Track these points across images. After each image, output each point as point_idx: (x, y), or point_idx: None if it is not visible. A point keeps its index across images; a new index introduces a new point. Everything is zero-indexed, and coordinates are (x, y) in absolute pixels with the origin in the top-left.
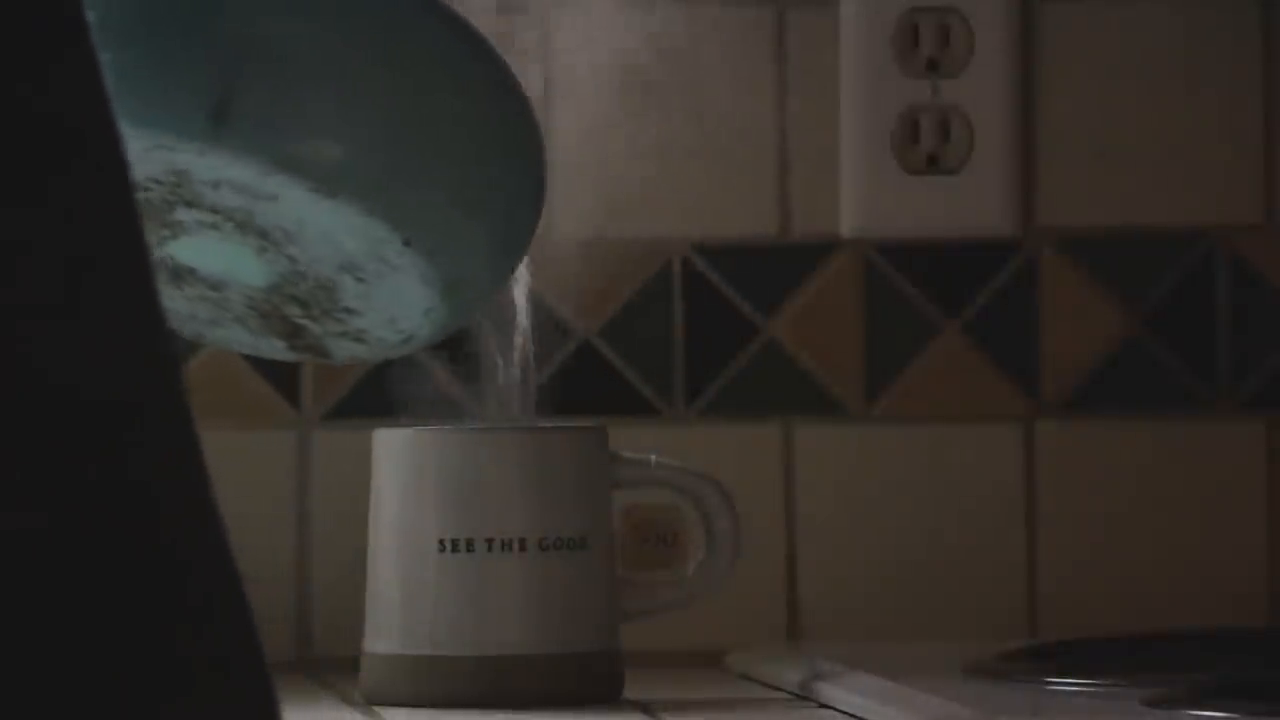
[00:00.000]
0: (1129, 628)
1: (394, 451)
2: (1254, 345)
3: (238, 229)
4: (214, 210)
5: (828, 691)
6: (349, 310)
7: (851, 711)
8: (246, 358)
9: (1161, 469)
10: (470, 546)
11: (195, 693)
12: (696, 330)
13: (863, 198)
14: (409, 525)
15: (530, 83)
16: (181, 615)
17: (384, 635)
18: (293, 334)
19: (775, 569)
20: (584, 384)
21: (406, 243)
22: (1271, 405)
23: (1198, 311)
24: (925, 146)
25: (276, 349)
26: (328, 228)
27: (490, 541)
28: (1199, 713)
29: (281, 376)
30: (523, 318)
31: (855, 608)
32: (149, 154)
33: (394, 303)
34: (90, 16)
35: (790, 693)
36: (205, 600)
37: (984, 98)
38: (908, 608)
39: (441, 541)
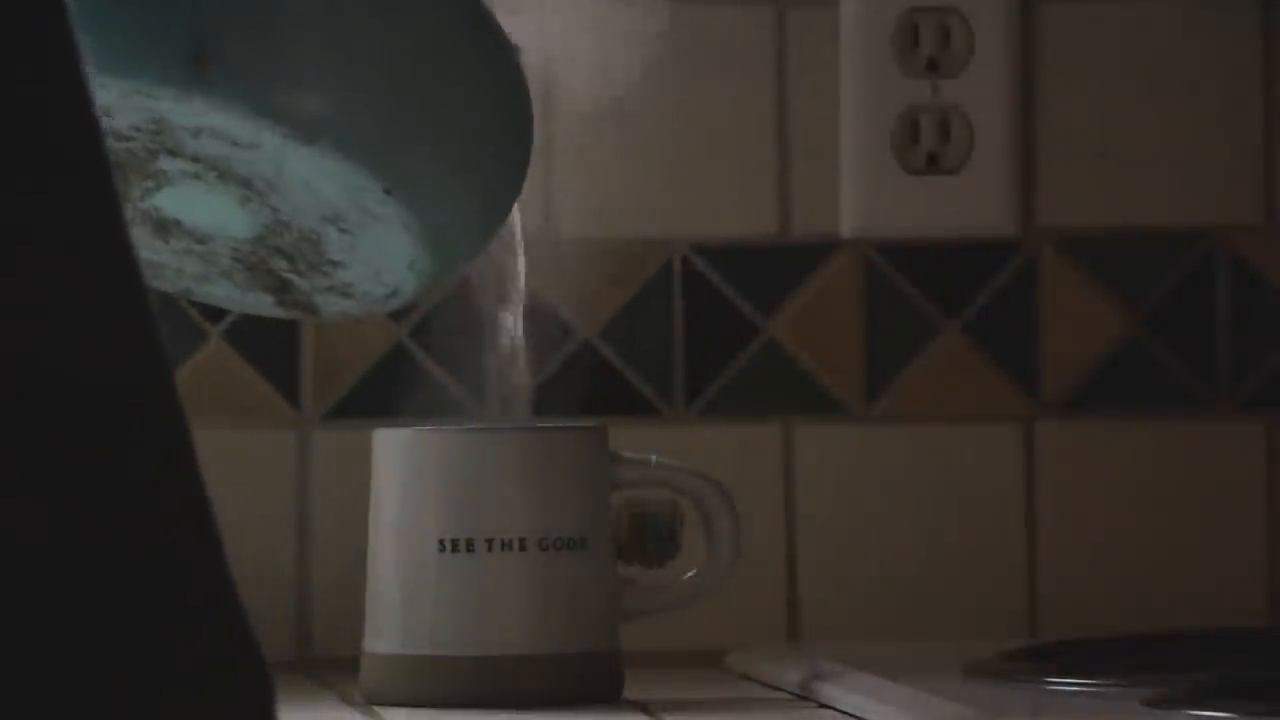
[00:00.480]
0: (1129, 628)
1: (394, 451)
2: (1254, 345)
3: (220, 178)
4: (196, 159)
5: (828, 691)
6: (334, 263)
7: (851, 711)
8: (246, 358)
9: (1161, 469)
10: (470, 546)
11: (196, 690)
12: (696, 330)
13: (863, 198)
14: (409, 525)
15: (530, 82)
16: (181, 614)
17: (384, 635)
18: (280, 289)
19: (775, 569)
20: (584, 384)
21: (387, 191)
22: (1271, 405)
23: (1198, 311)
24: (925, 146)
25: (265, 304)
26: (308, 176)
27: (490, 541)
28: (1199, 713)
29: (281, 376)
30: (515, 316)
31: (855, 608)
32: (129, 101)
33: (378, 255)
34: None
35: (790, 693)
36: (204, 599)
37: (984, 98)
38: (908, 608)
39: (441, 541)
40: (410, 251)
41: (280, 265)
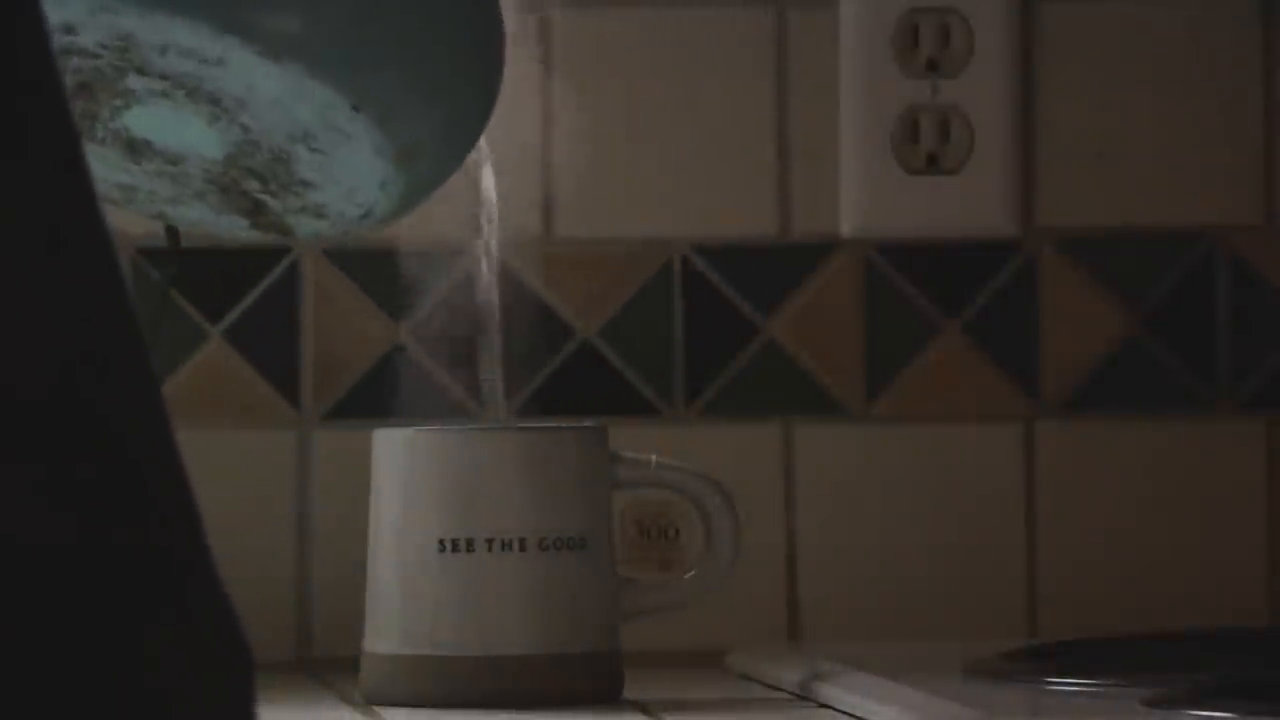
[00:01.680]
0: (1129, 628)
1: (394, 451)
2: (1254, 345)
3: (189, 97)
4: (163, 77)
5: (828, 691)
6: (305, 183)
7: (851, 711)
8: (246, 358)
9: (1161, 469)
10: (470, 546)
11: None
12: (696, 330)
13: (863, 198)
14: (409, 525)
15: (530, 82)
16: (164, 594)
17: (384, 635)
18: (253, 210)
19: (775, 569)
20: (584, 384)
21: (355, 109)
22: (1271, 405)
23: (1198, 311)
24: (925, 146)
25: (239, 226)
26: (277, 94)
27: (490, 541)
28: (1199, 713)
29: (281, 376)
30: (515, 316)
31: (855, 608)
32: (96, 18)
33: (350, 174)
34: None
35: (790, 693)
36: (184, 576)
37: (984, 98)
38: (908, 608)
39: (441, 541)
40: (381, 171)
41: (253, 186)
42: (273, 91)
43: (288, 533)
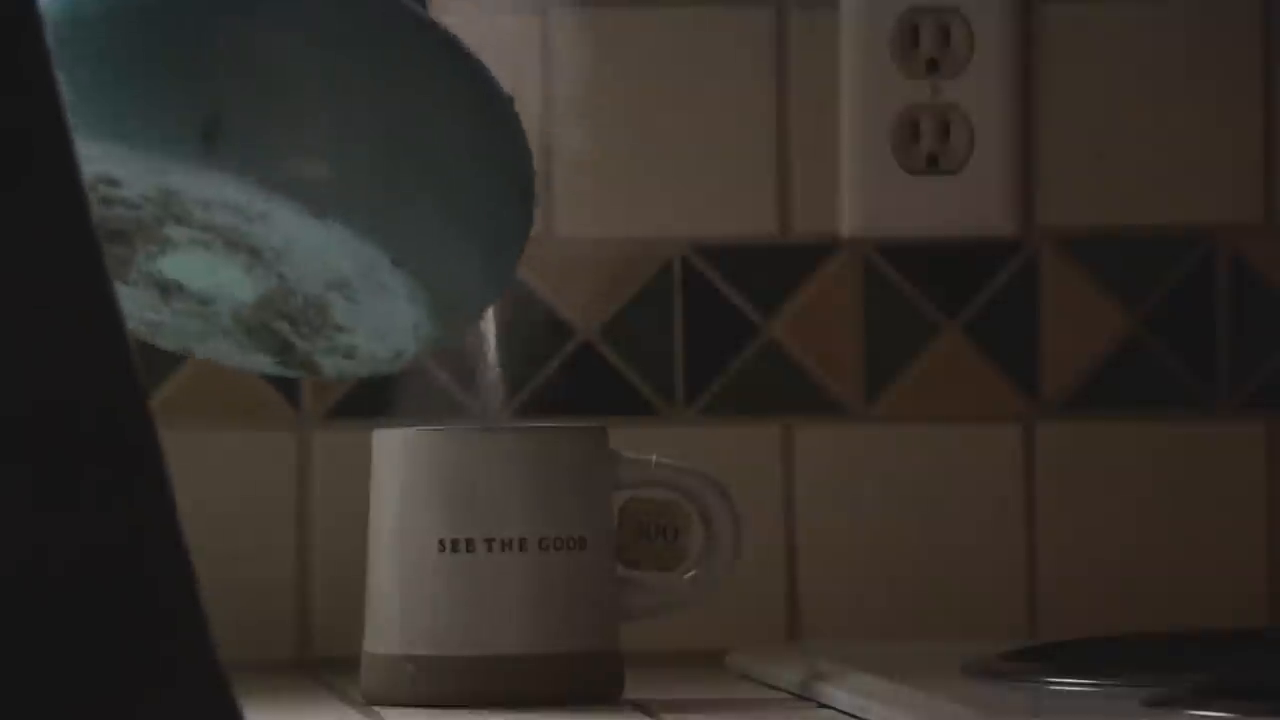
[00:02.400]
0: (1129, 628)
1: (394, 451)
2: (1254, 345)
3: (227, 246)
4: (204, 228)
5: (828, 691)
6: (339, 328)
7: (851, 711)
8: None
9: (1161, 469)
10: (470, 546)
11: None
12: (696, 330)
13: (863, 198)
14: (409, 525)
15: (531, 82)
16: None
17: (384, 635)
18: (282, 350)
19: (775, 569)
20: (584, 384)
21: (396, 262)
22: (1271, 405)
23: (1198, 311)
24: (925, 146)
25: (265, 364)
26: (317, 246)
27: (490, 541)
28: (1199, 713)
29: (281, 377)
30: (515, 316)
31: (855, 608)
32: (140, 172)
33: (384, 320)
34: (80, 38)
35: (790, 693)
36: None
37: (984, 98)
38: (908, 608)
39: (441, 541)
40: (415, 317)
41: (283, 328)
42: (313, 244)
43: (288, 533)
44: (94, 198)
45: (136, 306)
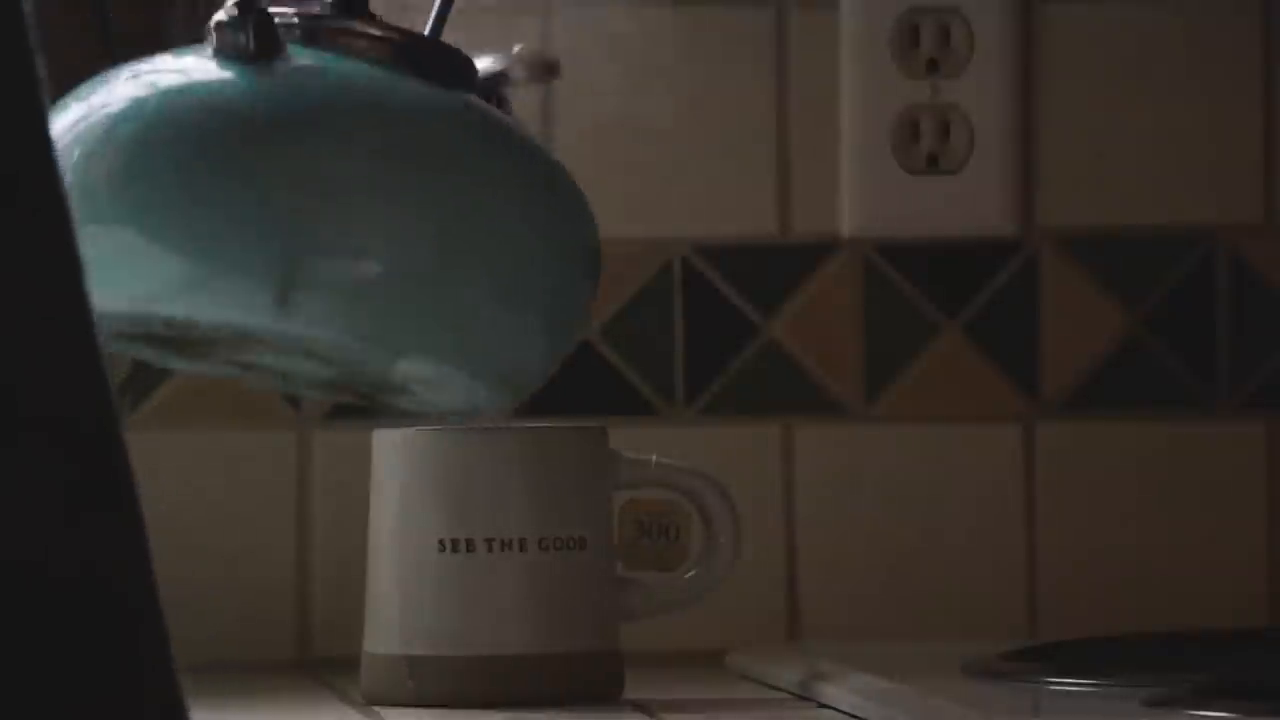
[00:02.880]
0: (1129, 628)
1: (394, 451)
2: (1254, 345)
3: (306, 358)
4: (284, 351)
5: (828, 691)
6: (409, 392)
7: (851, 711)
8: None
9: (1161, 469)
10: (470, 546)
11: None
12: (696, 330)
13: (863, 198)
14: (409, 525)
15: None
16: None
17: (384, 635)
18: (361, 399)
19: (775, 569)
20: (584, 384)
21: (458, 367)
22: (1271, 405)
23: (1198, 311)
24: (925, 146)
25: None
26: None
27: (490, 541)
28: (1199, 713)
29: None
30: None
31: (855, 608)
32: (216, 326)
33: (451, 395)
34: (146, 208)
35: (790, 693)
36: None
37: (984, 98)
38: (908, 608)
39: (441, 541)
40: (483, 391)
41: (360, 389)
42: (388, 364)
43: (288, 533)
44: (169, 330)
45: (212, 371)
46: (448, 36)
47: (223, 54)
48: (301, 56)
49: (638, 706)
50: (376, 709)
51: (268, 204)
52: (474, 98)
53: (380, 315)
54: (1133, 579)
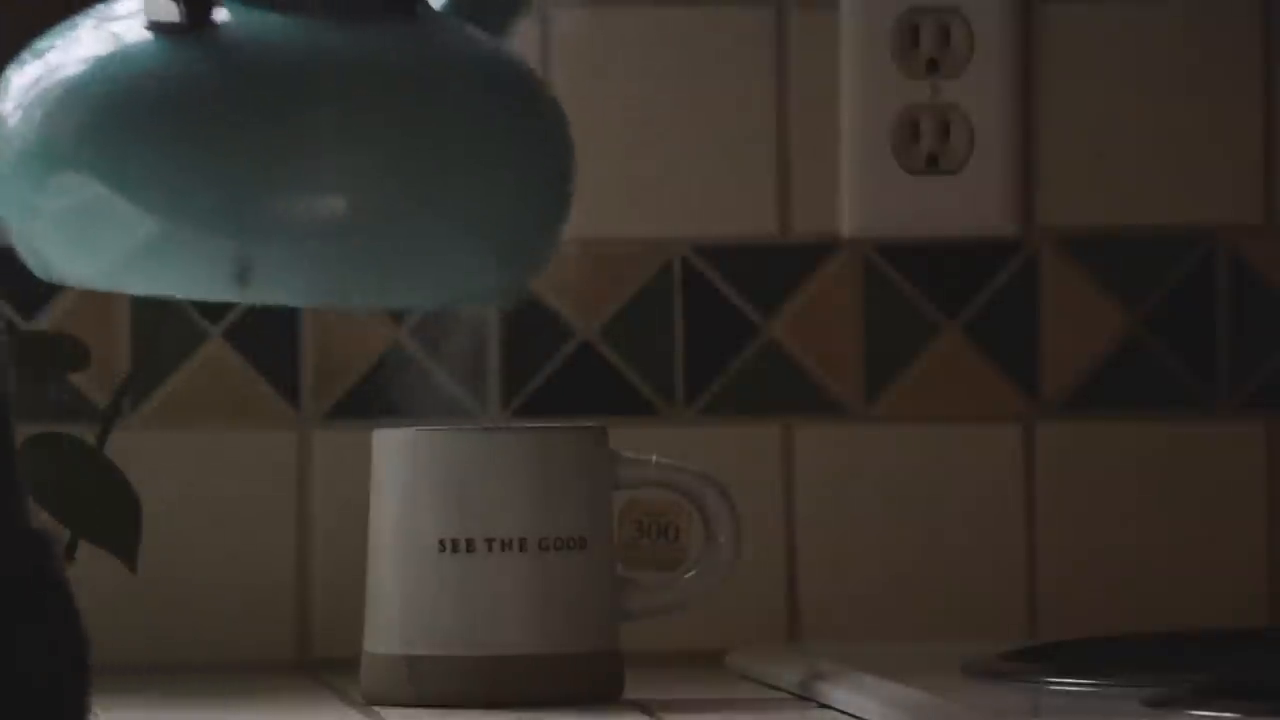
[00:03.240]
0: (1129, 628)
1: (394, 451)
2: (1254, 345)
3: None
4: None
5: (828, 691)
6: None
7: (851, 711)
8: (246, 358)
9: (1161, 469)
10: (470, 546)
11: None
12: (696, 330)
13: (863, 198)
14: (409, 525)
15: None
16: None
17: (384, 635)
18: None
19: (775, 569)
20: (584, 384)
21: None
22: (1271, 405)
23: (1198, 311)
24: (925, 146)
25: None
26: None
27: (490, 541)
28: (1199, 713)
29: (281, 376)
30: (514, 316)
31: (855, 608)
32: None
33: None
34: (114, 160)
35: (790, 693)
36: None
37: (984, 98)
38: (908, 608)
39: (441, 541)
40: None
41: None
42: None
43: (288, 533)
44: None
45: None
46: None
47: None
48: (239, 16)
49: (638, 706)
50: (376, 709)
51: (225, 173)
52: (422, 22)
53: (339, 279)
54: (1133, 579)
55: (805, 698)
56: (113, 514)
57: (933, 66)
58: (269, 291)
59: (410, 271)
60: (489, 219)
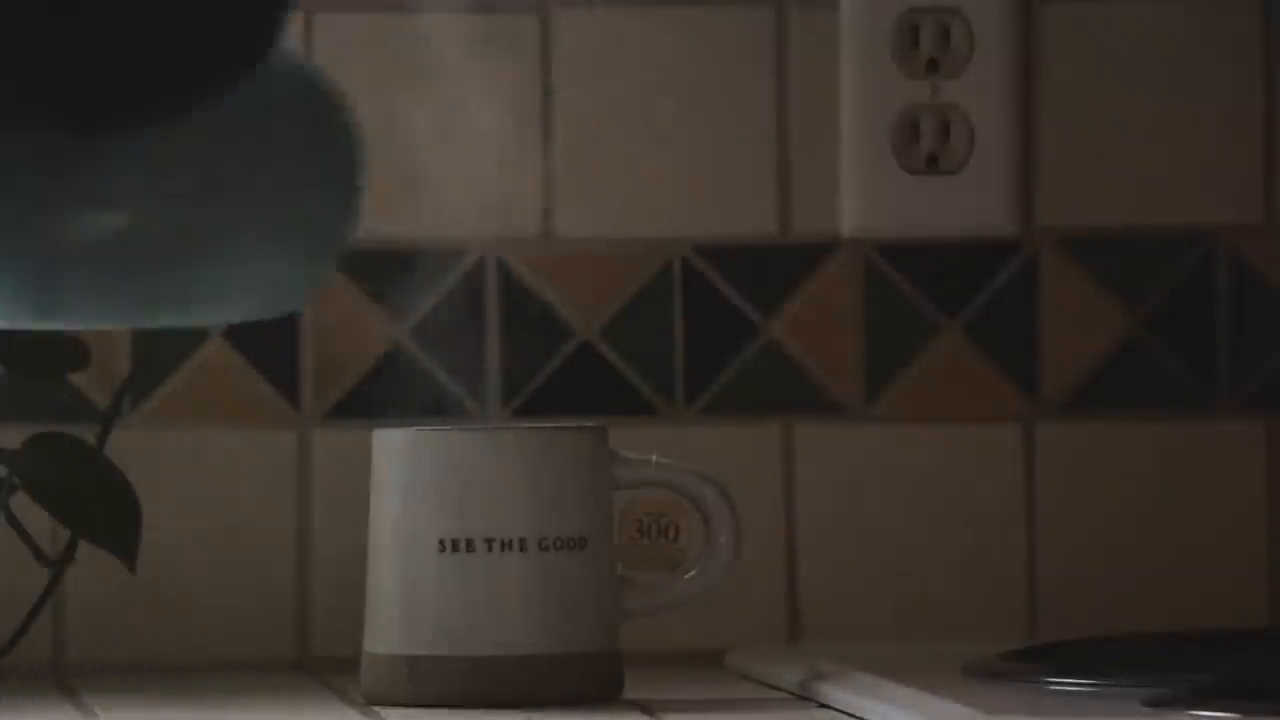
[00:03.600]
0: (1129, 628)
1: (394, 451)
2: (1254, 345)
3: None
4: None
5: (828, 691)
6: None
7: (851, 711)
8: (246, 358)
9: (1161, 469)
10: (470, 546)
11: None
12: (696, 330)
13: (863, 198)
14: (409, 525)
15: (531, 82)
16: None
17: (384, 635)
18: None
19: (775, 569)
20: (584, 384)
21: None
22: (1271, 405)
23: (1198, 311)
24: (925, 146)
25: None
26: None
27: (490, 541)
28: (1199, 713)
29: (281, 376)
30: (515, 316)
31: (855, 608)
32: None
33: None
34: None
35: (790, 693)
36: None
37: (984, 98)
38: (908, 608)
39: (441, 541)
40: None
41: None
42: None
43: (288, 533)
44: None
45: None
46: (447, 30)
47: None
48: None
49: (638, 706)
50: (376, 709)
51: (15, 190)
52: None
53: (138, 298)
54: (1133, 579)
55: (805, 698)
56: (113, 514)
57: (933, 66)
58: (69, 314)
59: (215, 284)
60: (289, 225)
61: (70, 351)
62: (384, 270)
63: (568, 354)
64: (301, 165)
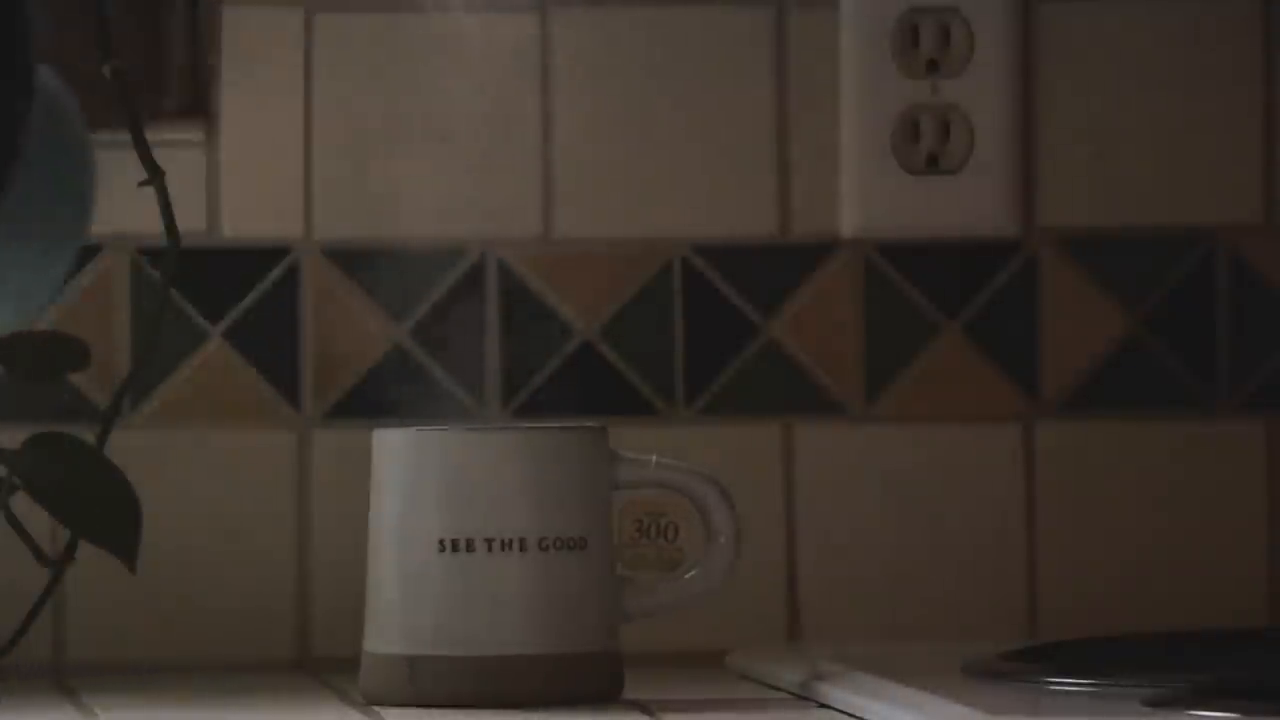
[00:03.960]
0: (1129, 628)
1: (394, 451)
2: (1254, 345)
3: None
4: None
5: (828, 691)
6: None
7: (851, 711)
8: (246, 358)
9: (1161, 469)
10: (470, 546)
11: None
12: (696, 330)
13: (863, 198)
14: (409, 525)
15: (530, 82)
16: None
17: (384, 635)
18: None
19: (775, 569)
20: (584, 384)
21: None
22: (1271, 405)
23: (1198, 311)
24: (925, 146)
25: None
26: None
27: (490, 541)
28: (1199, 713)
29: (281, 376)
30: (515, 316)
31: (855, 608)
32: None
33: None
34: None
35: (790, 693)
36: None
37: (984, 98)
38: (908, 608)
39: (441, 541)
40: None
41: None
42: None
43: (288, 533)
44: None
45: None
46: (446, 30)
47: None
48: None
49: (638, 706)
50: (376, 709)
51: None
52: None
53: None
54: (1133, 579)
55: (805, 698)
56: (113, 514)
57: (933, 66)
58: None
59: None
60: (32, 232)
61: (70, 351)
62: (384, 270)
63: (568, 354)
64: (39, 173)
